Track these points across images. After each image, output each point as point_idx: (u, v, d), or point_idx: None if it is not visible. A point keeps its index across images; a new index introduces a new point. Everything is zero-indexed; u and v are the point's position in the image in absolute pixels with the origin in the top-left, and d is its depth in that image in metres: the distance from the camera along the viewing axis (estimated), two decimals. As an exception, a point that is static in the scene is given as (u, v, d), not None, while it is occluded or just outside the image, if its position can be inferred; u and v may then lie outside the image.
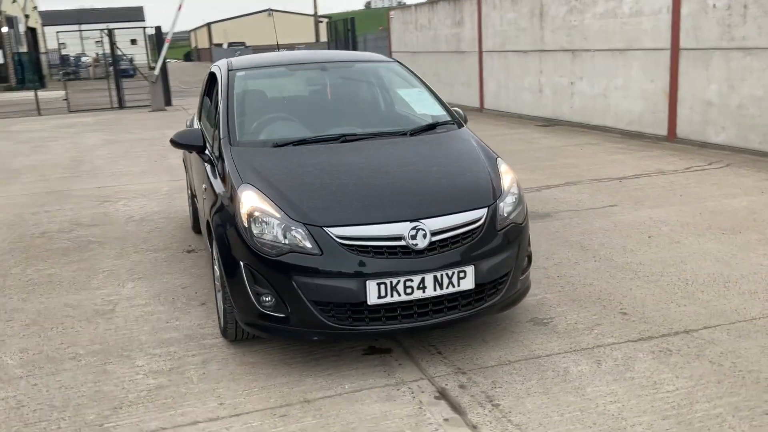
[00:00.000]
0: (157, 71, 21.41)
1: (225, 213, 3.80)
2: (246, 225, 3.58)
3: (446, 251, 3.53)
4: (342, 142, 4.22)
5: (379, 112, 4.78)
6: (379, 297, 3.43)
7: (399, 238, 3.47)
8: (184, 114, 18.62)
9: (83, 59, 55.29)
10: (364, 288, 3.40)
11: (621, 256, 5.29)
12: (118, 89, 22.37)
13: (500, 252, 3.69)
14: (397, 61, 5.27)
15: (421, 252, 3.49)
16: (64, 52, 60.13)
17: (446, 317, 3.58)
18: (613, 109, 11.87)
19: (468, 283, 3.56)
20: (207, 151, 4.44)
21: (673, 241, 5.59)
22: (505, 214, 3.80)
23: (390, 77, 5.10)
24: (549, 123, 13.46)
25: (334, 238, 3.45)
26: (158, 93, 21.01)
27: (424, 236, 3.50)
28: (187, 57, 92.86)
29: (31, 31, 47.73)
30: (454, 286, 3.53)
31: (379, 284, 3.41)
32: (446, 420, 3.14)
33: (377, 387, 3.46)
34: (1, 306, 4.83)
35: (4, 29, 38.42)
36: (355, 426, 3.12)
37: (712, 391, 3.28)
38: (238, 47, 56.26)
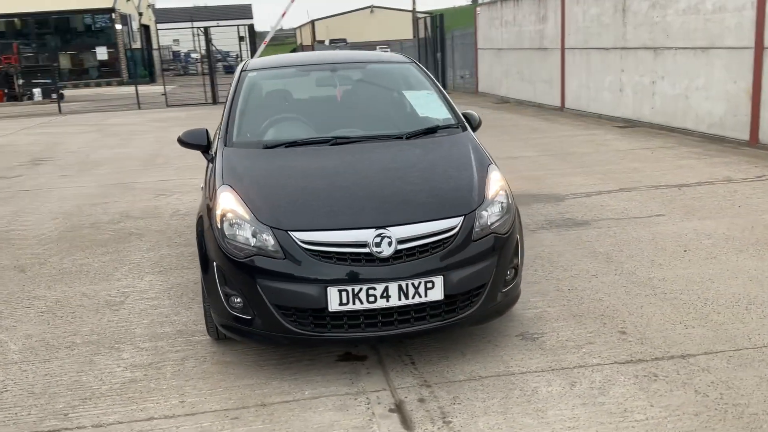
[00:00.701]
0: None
1: (206, 213, 3.85)
2: (219, 226, 3.62)
3: (413, 260, 3.44)
4: (333, 144, 4.19)
5: (382, 114, 4.71)
6: (341, 304, 3.37)
7: (363, 245, 3.41)
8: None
9: (192, 55, 57.76)
10: (325, 294, 3.36)
11: (646, 270, 4.98)
12: (213, 85, 23.26)
13: (475, 263, 3.55)
14: (414, 62, 5.17)
15: (385, 260, 3.41)
16: (176, 48, 63.19)
17: (413, 328, 3.48)
18: (694, 110, 11.20)
19: (436, 294, 3.45)
20: (210, 151, 4.52)
21: (710, 257, 5.21)
22: (485, 224, 3.65)
23: (402, 79, 5.01)
24: (629, 124, 12.87)
25: (298, 242, 3.43)
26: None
27: (389, 244, 3.41)
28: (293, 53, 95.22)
29: (145, 28, 50.34)
30: (420, 297, 3.43)
31: (340, 291, 3.36)
32: (392, 435, 3.06)
33: (337, 395, 3.41)
34: (27, 293, 5.11)
35: (118, 26, 40.68)
36: (298, 434, 3.10)
37: (685, 424, 3.03)
38: (338, 43, 57.11)
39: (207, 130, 4.52)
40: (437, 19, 24.24)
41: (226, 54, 60.63)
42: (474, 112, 4.88)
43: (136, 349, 4.06)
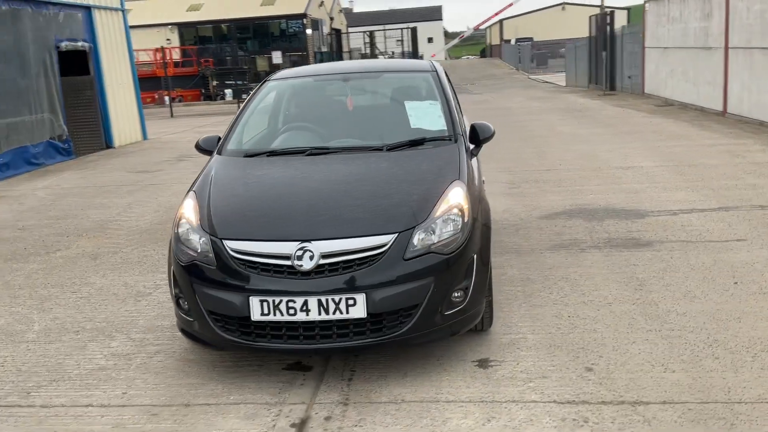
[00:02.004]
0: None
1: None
2: (174, 231, 3.83)
3: (334, 276, 3.40)
4: (309, 155, 4.23)
5: (375, 125, 4.65)
6: (263, 314, 3.43)
7: (287, 257, 3.43)
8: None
9: (381, 57, 59.84)
10: (248, 304, 3.43)
11: (671, 302, 4.47)
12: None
13: (405, 282, 3.43)
14: (435, 71, 5.04)
15: (307, 274, 3.41)
16: (366, 51, 65.78)
17: (334, 344, 3.45)
18: None
19: (358, 312, 3.38)
20: None
21: (760, 292, 4.56)
22: (425, 243, 3.51)
23: (413, 89, 4.91)
24: (789, 133, 11.44)
25: (228, 250, 3.53)
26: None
27: (311, 258, 3.40)
28: (483, 53, 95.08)
29: (336, 32, 52.94)
30: (342, 313, 3.38)
31: (261, 301, 3.41)
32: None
33: (256, 403, 3.47)
34: (83, 279, 5.70)
35: (308, 31, 43.18)
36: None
37: (575, 480, 2.73)
38: (523, 43, 56.10)
39: (219, 137, 4.75)
40: (607, 16, 23.03)
41: (408, 55, 62.06)
42: (488, 123, 4.67)
43: (127, 339, 4.39)
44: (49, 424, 3.39)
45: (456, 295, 3.61)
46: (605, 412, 3.20)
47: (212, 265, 3.56)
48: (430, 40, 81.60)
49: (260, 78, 43.18)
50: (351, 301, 3.38)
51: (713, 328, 4.04)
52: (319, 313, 3.39)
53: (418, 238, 3.51)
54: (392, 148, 4.24)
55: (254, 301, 3.42)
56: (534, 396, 3.39)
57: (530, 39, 59.71)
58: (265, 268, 3.46)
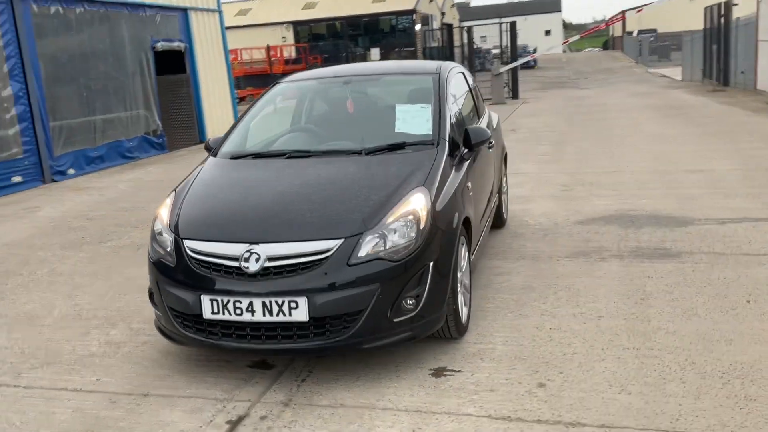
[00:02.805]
0: (506, 67, 22.23)
1: None
2: (151, 228, 4.04)
3: (279, 279, 3.47)
4: (288, 158, 4.32)
5: (366, 128, 4.65)
6: (213, 313, 3.56)
7: (235, 259, 3.54)
8: (510, 109, 19.02)
9: (494, 51, 58.92)
10: (200, 302, 3.58)
11: (666, 319, 4.22)
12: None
13: (348, 288, 3.45)
14: (437, 74, 4.97)
15: (253, 275, 3.50)
16: (483, 45, 64.94)
17: (279, 345, 3.52)
18: None
19: (301, 315, 3.44)
20: None
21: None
22: (373, 249, 3.51)
23: (412, 91, 4.87)
24: None
25: (187, 249, 3.69)
26: (498, 86, 21.75)
27: (257, 260, 3.50)
28: (605, 45, 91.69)
29: (447, 27, 52.58)
30: (285, 315, 3.46)
31: (212, 300, 3.55)
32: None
33: (206, 398, 3.61)
34: (119, 270, 6.07)
35: (417, 27, 43.36)
36: (136, 426, 3.37)
37: (468, 499, 2.67)
38: (646, 34, 53.54)
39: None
40: (722, 6, 21.63)
41: (522, 49, 60.67)
42: (484, 127, 4.59)
43: (127, 328, 4.67)
44: (21, 404, 3.68)
45: (408, 302, 3.59)
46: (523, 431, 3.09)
47: (173, 263, 3.73)
48: (547, 32, 79.62)
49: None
50: (293, 304, 3.44)
51: (697, 350, 3.78)
52: (264, 315, 3.48)
53: (365, 245, 3.52)
54: (371, 152, 4.26)
55: (205, 300, 3.56)
56: (471, 409, 3.32)
57: (654, 31, 56.95)
58: (216, 269, 3.59)
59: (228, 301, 3.51)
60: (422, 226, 3.66)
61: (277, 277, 3.48)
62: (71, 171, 11.75)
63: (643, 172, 8.90)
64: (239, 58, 34.46)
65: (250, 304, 3.48)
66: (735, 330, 4.00)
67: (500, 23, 25.92)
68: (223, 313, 3.54)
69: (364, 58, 41.32)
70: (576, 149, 11.14)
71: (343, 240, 3.51)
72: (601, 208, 7.12)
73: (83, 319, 4.90)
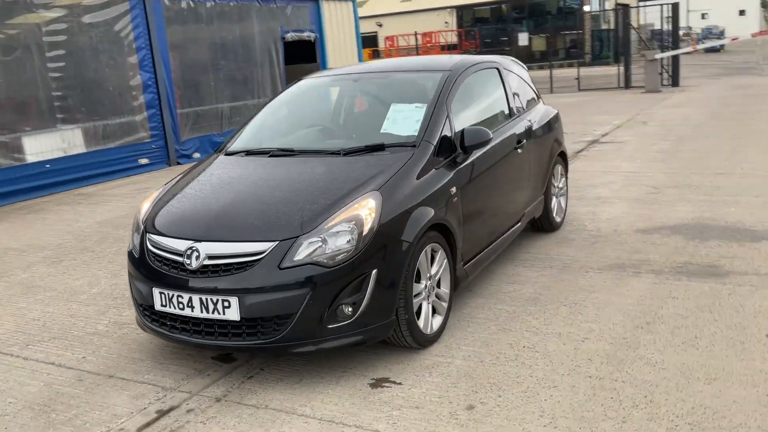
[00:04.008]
0: (662, 54, 20.74)
1: None
2: (134, 219, 4.27)
3: (215, 277, 3.54)
4: (271, 156, 4.36)
5: (355, 128, 4.56)
6: (162, 305, 3.71)
7: (181, 254, 3.66)
8: (658, 99, 17.73)
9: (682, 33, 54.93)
10: (152, 294, 3.74)
11: (656, 348, 3.79)
12: (627, 67, 22.37)
13: (278, 291, 3.45)
14: (449, 71, 4.75)
15: (194, 272, 3.60)
16: (658, 27, 60.89)
17: (216, 342, 3.60)
18: None
19: (233, 314, 3.50)
20: None
21: (786, 351, 3.65)
22: (307, 253, 3.47)
23: (416, 90, 4.70)
24: None
25: (147, 242, 3.86)
26: (653, 73, 20.27)
27: (197, 258, 3.59)
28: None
29: (623, 8, 49.58)
30: (219, 313, 3.53)
31: (160, 293, 3.70)
32: (120, 430, 3.35)
33: (156, 386, 3.77)
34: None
35: (586, 8, 41.39)
36: (82, 405, 3.60)
37: None
38: None
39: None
40: None
41: (707, 31, 56.01)
42: (484, 128, 4.36)
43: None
44: (10, 373, 4.06)
45: (346, 309, 3.52)
46: (426, 458, 2.93)
47: (138, 255, 3.92)
48: (741, 12, 72.84)
49: (540, 59, 42.70)
50: (226, 303, 3.50)
51: (665, 387, 3.37)
52: (201, 311, 3.57)
53: (302, 248, 3.49)
54: (349, 153, 4.19)
55: (156, 292, 3.72)
56: (381, 425, 3.20)
57: None
58: (166, 263, 3.73)
59: (173, 296, 3.64)
60: (364, 232, 3.55)
61: (213, 276, 3.56)
62: (196, 155, 12.60)
63: (754, 176, 7.95)
64: (395, 44, 34.95)
65: (190, 299, 3.58)
66: (726, 368, 3.51)
67: (662, 5, 23.92)
68: (169, 307, 3.68)
69: (530, 41, 40.14)
70: (697, 146, 10.18)
71: (276, 243, 3.51)
72: (680, 214, 6.48)
73: (113, 298, 5.29)
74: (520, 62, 6.18)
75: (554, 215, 6.09)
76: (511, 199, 5.14)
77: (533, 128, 5.57)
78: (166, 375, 3.89)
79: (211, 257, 3.58)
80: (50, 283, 5.73)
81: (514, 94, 5.55)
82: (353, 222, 3.56)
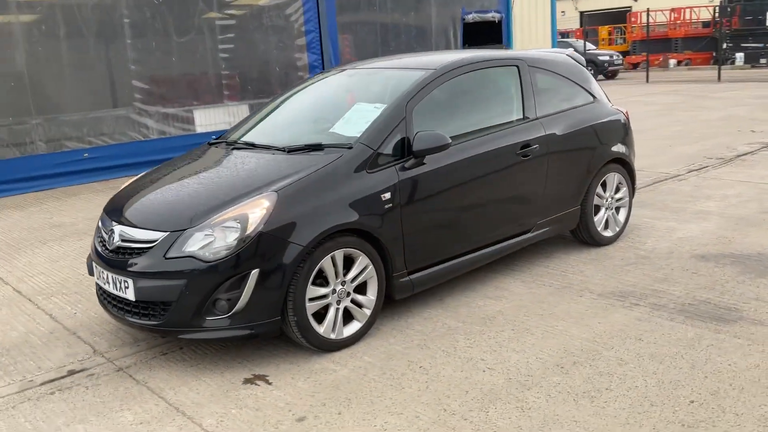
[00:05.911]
0: None
1: None
2: None
3: (122, 259, 3.86)
4: (234, 149, 4.55)
5: (316, 125, 4.54)
6: (97, 277, 4.14)
7: (107, 233, 4.04)
8: None
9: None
10: (92, 267, 4.19)
11: (551, 396, 3.37)
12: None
13: (160, 278, 3.68)
14: (433, 70, 4.50)
15: (112, 251, 3.96)
16: None
17: (123, 317, 3.92)
18: None
19: (130, 295, 3.80)
20: None
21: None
22: (190, 246, 3.64)
23: (387, 90, 4.51)
24: None
25: (99, 220, 4.31)
26: None
27: (113, 239, 3.94)
28: None
29: None
30: (123, 293, 3.85)
31: (95, 266, 4.13)
32: (51, 393, 3.71)
33: (90, 346, 4.19)
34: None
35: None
36: (30, 354, 4.15)
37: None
38: None
39: None
40: None
41: None
42: (441, 133, 4.15)
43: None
44: (12, 312, 4.79)
45: (221, 304, 3.65)
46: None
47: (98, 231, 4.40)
48: None
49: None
50: (126, 284, 3.81)
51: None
52: (113, 289, 3.92)
53: (189, 240, 3.67)
54: (292, 150, 4.23)
55: (94, 265, 4.16)
56: (209, 420, 3.31)
57: None
58: (101, 240, 4.14)
59: (101, 271, 4.05)
60: (248, 231, 3.63)
61: (120, 257, 3.89)
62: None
63: None
64: (681, 17, 32.80)
65: (107, 276, 3.96)
66: (590, 428, 3.03)
67: None
68: (100, 279, 4.09)
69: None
70: None
71: (167, 233, 3.73)
72: (762, 241, 5.48)
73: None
74: (575, 56, 5.59)
75: (597, 228, 5.49)
76: (504, 208, 4.77)
77: (558, 133, 5.06)
78: (110, 340, 4.32)
79: (123, 239, 3.91)
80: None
81: (541, 95, 5.08)
82: (238, 220, 3.66)
